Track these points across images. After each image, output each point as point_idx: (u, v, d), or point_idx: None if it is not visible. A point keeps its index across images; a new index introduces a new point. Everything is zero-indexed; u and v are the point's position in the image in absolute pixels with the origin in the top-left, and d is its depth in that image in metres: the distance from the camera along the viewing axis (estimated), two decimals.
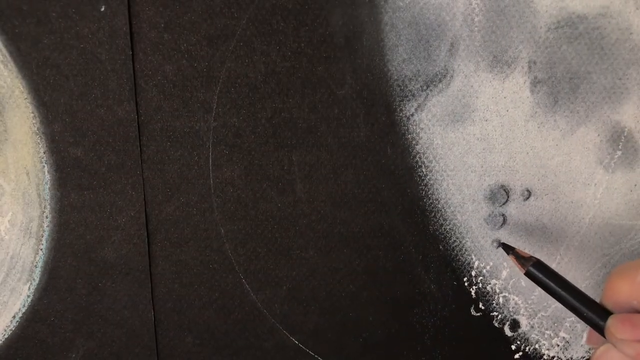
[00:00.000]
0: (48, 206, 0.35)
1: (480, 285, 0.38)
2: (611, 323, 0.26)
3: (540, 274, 0.31)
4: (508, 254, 0.34)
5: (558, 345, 0.39)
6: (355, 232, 0.37)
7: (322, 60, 0.34)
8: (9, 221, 0.36)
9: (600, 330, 0.28)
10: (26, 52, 0.33)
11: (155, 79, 0.34)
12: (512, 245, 0.36)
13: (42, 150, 0.35)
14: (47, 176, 0.35)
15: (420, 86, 0.35)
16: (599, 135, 0.35)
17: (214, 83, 0.34)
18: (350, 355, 0.39)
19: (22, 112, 0.34)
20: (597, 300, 0.29)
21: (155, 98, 0.34)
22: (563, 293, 0.30)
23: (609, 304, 0.28)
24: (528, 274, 0.32)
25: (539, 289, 0.37)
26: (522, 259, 0.32)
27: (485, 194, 0.36)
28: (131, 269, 0.37)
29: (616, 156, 0.35)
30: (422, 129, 0.35)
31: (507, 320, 0.38)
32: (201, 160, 0.35)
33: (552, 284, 0.31)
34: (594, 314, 0.28)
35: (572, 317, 0.38)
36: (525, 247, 0.37)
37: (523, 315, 0.38)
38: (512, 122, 0.35)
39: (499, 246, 0.37)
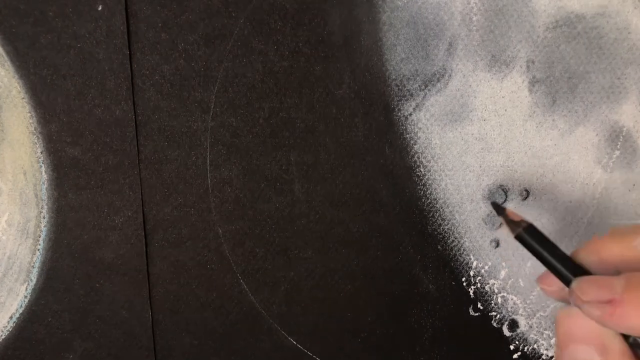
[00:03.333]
0: (45, 206, 0.35)
1: (479, 285, 0.38)
2: (576, 285, 0.25)
3: (532, 239, 0.29)
4: (499, 214, 0.32)
5: None
6: (354, 232, 0.37)
7: (320, 59, 0.34)
8: (6, 221, 0.36)
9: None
10: (23, 51, 0.33)
11: (153, 78, 0.34)
12: (511, 244, 0.36)
13: (39, 150, 0.35)
14: (45, 176, 0.35)
15: (419, 86, 0.34)
16: (597, 134, 0.35)
17: (212, 83, 0.34)
18: (349, 356, 0.39)
19: (19, 112, 0.34)
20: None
21: (153, 98, 0.34)
22: (548, 256, 0.28)
23: (589, 260, 0.27)
24: (518, 238, 0.30)
25: (538, 288, 0.36)
26: (513, 223, 0.30)
27: (483, 194, 0.36)
28: (129, 269, 0.36)
29: (614, 156, 0.35)
30: (420, 128, 0.35)
31: (506, 320, 0.38)
32: (199, 160, 0.35)
33: (539, 248, 0.29)
34: (568, 270, 0.27)
35: None
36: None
37: (521, 315, 0.38)
38: (511, 122, 0.35)
39: (497, 246, 0.36)
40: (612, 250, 0.25)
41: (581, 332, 0.25)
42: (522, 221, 0.30)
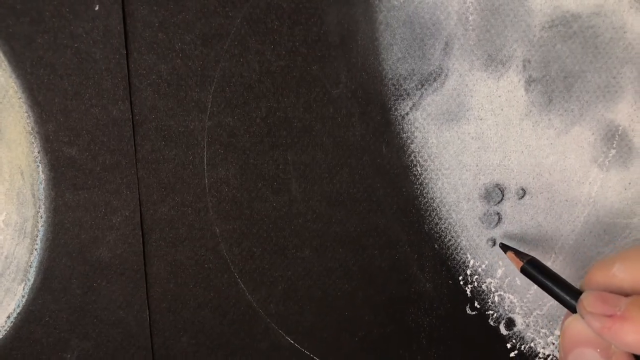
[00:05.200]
0: (42, 206, 0.35)
1: (476, 284, 0.38)
2: (584, 297, 0.27)
3: (534, 270, 0.32)
4: (505, 252, 0.35)
5: (553, 344, 0.39)
6: (351, 232, 0.37)
7: (316, 59, 0.34)
8: (3, 221, 0.36)
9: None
10: (20, 51, 0.33)
11: (150, 78, 0.34)
12: (508, 243, 0.36)
13: (36, 150, 0.35)
14: (42, 176, 0.35)
15: (415, 85, 0.35)
16: (593, 133, 0.35)
17: (209, 82, 0.34)
18: (346, 355, 0.39)
19: (16, 111, 0.34)
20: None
21: (150, 97, 0.34)
22: (551, 285, 0.31)
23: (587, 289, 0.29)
24: (523, 271, 0.33)
25: (534, 287, 0.37)
26: (518, 257, 0.33)
27: (480, 193, 0.36)
28: (126, 268, 0.36)
29: (610, 155, 0.35)
30: (417, 128, 0.35)
31: (503, 319, 0.38)
32: (196, 160, 0.35)
33: (543, 280, 0.32)
34: (572, 298, 0.30)
35: None
36: (521, 246, 0.37)
37: (518, 313, 0.38)
38: (507, 121, 0.35)
39: (494, 245, 0.37)
40: (599, 280, 0.28)
41: (586, 337, 0.27)
42: (526, 255, 0.33)
